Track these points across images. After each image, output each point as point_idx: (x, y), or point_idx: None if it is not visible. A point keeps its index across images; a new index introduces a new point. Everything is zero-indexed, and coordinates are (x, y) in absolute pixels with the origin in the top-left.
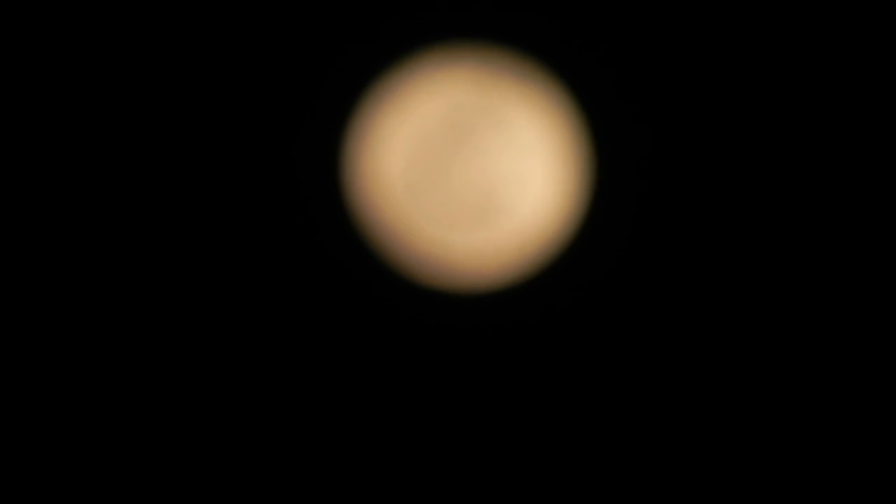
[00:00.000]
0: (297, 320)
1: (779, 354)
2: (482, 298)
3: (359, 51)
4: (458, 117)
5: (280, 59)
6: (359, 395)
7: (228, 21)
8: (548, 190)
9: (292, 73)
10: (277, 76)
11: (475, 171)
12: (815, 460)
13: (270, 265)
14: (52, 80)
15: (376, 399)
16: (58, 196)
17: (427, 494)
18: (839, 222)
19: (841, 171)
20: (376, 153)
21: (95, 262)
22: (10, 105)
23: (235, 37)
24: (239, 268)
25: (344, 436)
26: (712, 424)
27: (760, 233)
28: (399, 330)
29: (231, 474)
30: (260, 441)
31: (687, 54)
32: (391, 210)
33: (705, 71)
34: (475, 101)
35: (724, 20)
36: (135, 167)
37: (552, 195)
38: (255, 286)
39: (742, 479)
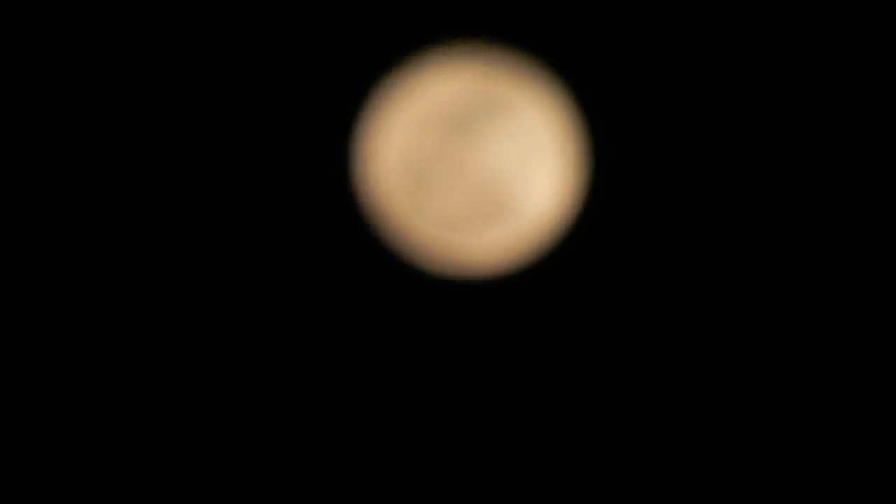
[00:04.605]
0: (306, 309)
1: (772, 347)
2: (486, 287)
3: (366, 47)
4: (461, 113)
5: (289, 57)
6: (366, 379)
7: (237, 21)
8: (548, 183)
9: (302, 70)
10: (287, 72)
11: (478, 165)
12: (806, 451)
13: (281, 255)
14: (73, 86)
15: (381, 381)
16: (76, 196)
17: (432, 478)
18: (832, 220)
19: (835, 171)
20: (382, 146)
21: (112, 255)
22: (27, 106)
23: (245, 35)
24: (250, 258)
25: (350, 423)
26: (707, 416)
27: (755, 230)
28: (404, 316)
29: (240, 459)
30: (268, 427)
31: (685, 52)
32: (396, 202)
33: (702, 69)
34: (477, 98)
35: (721, 19)
36: (155, 161)
37: (553, 188)
38: (266, 275)
39: (734, 470)
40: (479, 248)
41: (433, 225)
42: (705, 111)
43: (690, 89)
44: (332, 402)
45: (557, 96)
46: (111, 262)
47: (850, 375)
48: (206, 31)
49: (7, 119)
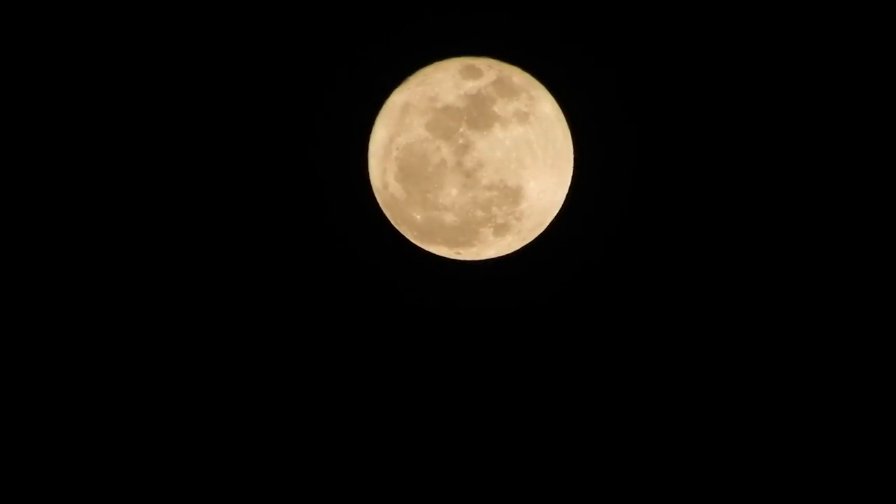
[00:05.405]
0: (319, 292)
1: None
2: (489, 270)
3: (374, 51)
4: (464, 112)
5: (303, 59)
6: (375, 355)
7: (254, 28)
8: (547, 178)
9: (320, 71)
10: (306, 73)
11: (481, 161)
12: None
13: (293, 244)
14: (106, 88)
15: (389, 363)
16: (102, 194)
17: (435, 451)
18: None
19: (817, 169)
20: (389, 142)
21: (144, 236)
22: (54, 111)
23: (261, 41)
24: (266, 247)
25: (359, 400)
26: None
27: (740, 217)
28: (414, 305)
29: (265, 426)
30: (283, 409)
31: (673, 54)
32: (404, 194)
33: (689, 69)
34: (479, 97)
35: (702, 27)
36: (191, 151)
37: (551, 182)
38: (284, 269)
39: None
40: (483, 238)
41: (439, 216)
42: (693, 109)
43: (679, 89)
44: (337, 380)
45: (555, 97)
46: (133, 245)
47: (835, 370)
48: (228, 39)
49: (32, 121)
